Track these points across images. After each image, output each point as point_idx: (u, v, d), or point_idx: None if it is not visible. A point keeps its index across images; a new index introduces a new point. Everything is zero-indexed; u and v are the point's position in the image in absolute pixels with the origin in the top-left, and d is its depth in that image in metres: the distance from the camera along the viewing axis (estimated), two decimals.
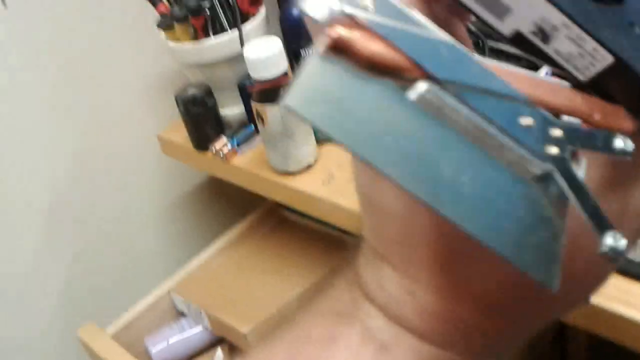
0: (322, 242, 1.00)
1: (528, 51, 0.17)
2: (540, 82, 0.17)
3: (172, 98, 0.89)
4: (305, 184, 0.79)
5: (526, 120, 0.16)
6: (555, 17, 0.15)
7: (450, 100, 0.15)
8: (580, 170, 0.16)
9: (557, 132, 0.16)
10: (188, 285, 1.01)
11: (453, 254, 0.21)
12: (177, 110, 0.89)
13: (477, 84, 0.15)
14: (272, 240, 1.05)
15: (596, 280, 0.22)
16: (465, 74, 0.15)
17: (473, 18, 0.17)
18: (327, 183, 0.78)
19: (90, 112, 0.99)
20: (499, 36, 0.16)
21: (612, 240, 0.15)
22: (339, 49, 0.14)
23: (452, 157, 0.15)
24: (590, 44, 0.16)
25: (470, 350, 0.22)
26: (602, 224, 0.16)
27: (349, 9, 0.14)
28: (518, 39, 0.16)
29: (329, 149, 0.83)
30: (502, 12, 0.16)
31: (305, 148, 0.79)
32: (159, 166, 1.09)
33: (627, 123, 0.17)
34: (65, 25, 0.92)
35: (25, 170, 0.95)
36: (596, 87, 0.17)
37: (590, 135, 0.16)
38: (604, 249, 0.16)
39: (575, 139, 0.16)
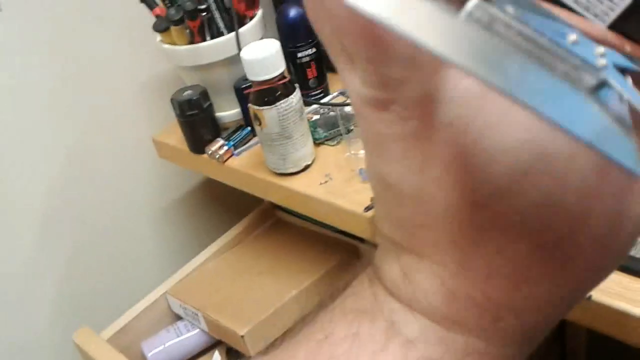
0: (318, 243, 1.00)
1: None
2: (572, 15, 0.17)
3: (167, 101, 0.89)
4: (302, 184, 0.79)
5: (571, 37, 0.16)
6: None
7: (500, 16, 0.16)
8: (628, 81, 0.17)
9: (601, 50, 0.17)
10: (184, 288, 1.00)
11: (480, 229, 0.20)
12: (172, 112, 0.89)
13: (522, 3, 0.16)
14: (269, 241, 1.06)
15: (629, 240, 0.21)
16: None
17: None
18: (325, 184, 0.78)
19: (86, 115, 0.99)
20: None
21: None
22: None
23: (513, 63, 0.15)
24: None
25: (500, 334, 0.21)
26: None
27: None
28: None
29: (326, 150, 0.83)
30: None
31: (303, 149, 0.79)
32: (154, 168, 1.09)
33: None
34: (61, 28, 0.92)
35: (19, 172, 0.94)
36: (616, 31, 0.18)
37: (631, 59, 0.17)
38: None
39: (619, 59, 0.17)
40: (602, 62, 0.17)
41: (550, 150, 0.18)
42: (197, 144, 0.90)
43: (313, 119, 0.87)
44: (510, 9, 0.16)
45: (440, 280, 0.21)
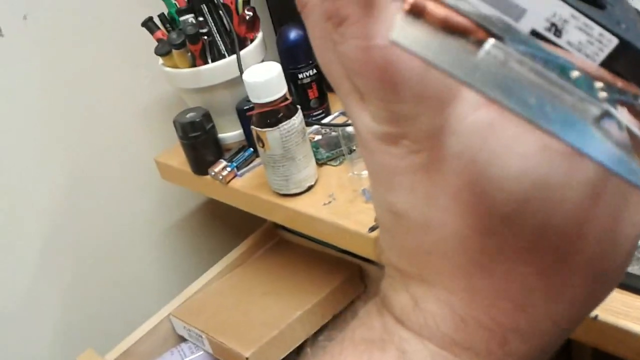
0: (322, 262, 1.00)
1: None
2: (569, 53, 0.19)
3: (170, 122, 0.89)
4: (306, 205, 0.79)
5: (575, 73, 0.18)
6: (565, 11, 0.18)
7: (514, 54, 0.17)
8: (624, 111, 0.19)
9: (599, 84, 0.19)
10: (188, 309, 1.00)
11: (487, 254, 0.21)
12: (175, 134, 0.90)
13: (529, 44, 0.18)
14: (272, 261, 1.05)
15: (628, 254, 0.22)
16: (518, 35, 0.18)
17: None
18: (328, 204, 0.78)
19: (89, 138, 0.99)
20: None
21: None
22: (416, 13, 0.17)
23: (531, 95, 0.17)
24: (597, 30, 0.18)
25: (506, 358, 0.22)
26: None
27: None
28: (535, 34, 0.19)
29: (329, 170, 0.84)
30: (518, 14, 0.18)
31: (306, 170, 0.79)
32: (157, 190, 1.09)
33: None
34: (64, 51, 0.93)
35: (20, 194, 0.94)
36: (606, 69, 0.20)
37: (623, 92, 0.19)
38: None
39: (613, 93, 0.19)
40: (603, 95, 0.18)
41: (547, 178, 0.19)
42: (200, 166, 0.91)
43: (315, 140, 0.87)
44: (521, 47, 0.18)
45: (450, 306, 0.22)
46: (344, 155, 0.84)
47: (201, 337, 0.95)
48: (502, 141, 0.19)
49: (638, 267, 0.55)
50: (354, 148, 0.82)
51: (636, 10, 0.21)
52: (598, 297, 0.23)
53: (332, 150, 0.85)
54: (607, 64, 0.19)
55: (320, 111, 0.92)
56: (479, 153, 0.19)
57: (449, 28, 0.17)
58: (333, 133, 0.88)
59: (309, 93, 0.91)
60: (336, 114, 0.93)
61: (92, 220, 1.03)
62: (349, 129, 0.84)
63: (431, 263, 0.22)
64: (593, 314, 0.53)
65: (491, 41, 0.17)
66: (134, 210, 1.08)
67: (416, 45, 0.17)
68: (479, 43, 0.17)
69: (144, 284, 1.13)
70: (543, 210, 0.20)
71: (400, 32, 0.17)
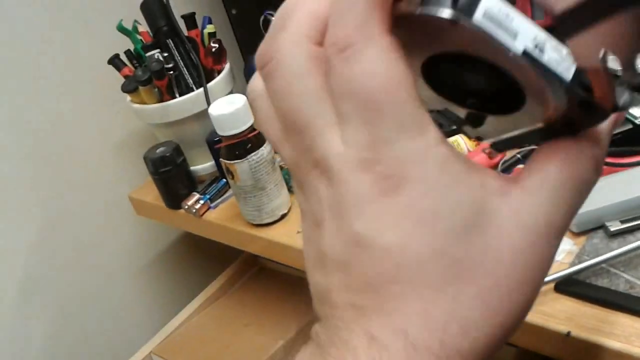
0: (303, 288, 0.98)
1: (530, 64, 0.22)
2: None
3: (142, 158, 0.89)
4: (280, 234, 0.79)
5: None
6: (541, 35, 0.22)
7: None
8: None
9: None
10: (169, 346, 0.99)
11: (441, 275, 0.23)
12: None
13: None
14: (253, 290, 1.05)
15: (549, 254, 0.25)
16: None
17: None
18: (302, 232, 0.78)
19: (61, 176, 0.98)
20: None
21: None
22: None
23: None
24: (564, 50, 0.22)
25: None
26: None
27: None
28: (525, 54, 0.22)
29: None
30: (514, 35, 0.21)
31: (278, 199, 0.79)
32: (133, 226, 1.08)
33: None
34: (33, 91, 0.92)
35: None
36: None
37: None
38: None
39: None
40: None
41: (485, 205, 0.23)
42: (173, 200, 0.90)
43: (287, 167, 0.87)
44: None
45: (404, 334, 0.23)
46: None
47: None
48: (453, 175, 0.22)
49: (608, 281, 0.55)
50: None
51: None
52: (523, 317, 0.25)
53: None
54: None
55: None
56: (437, 182, 0.22)
57: None
58: None
59: None
60: None
61: (68, 261, 1.02)
62: None
63: (391, 289, 0.23)
64: (565, 330, 0.53)
65: None
66: (110, 249, 1.07)
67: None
68: None
69: (124, 322, 1.11)
70: (485, 234, 0.23)
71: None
